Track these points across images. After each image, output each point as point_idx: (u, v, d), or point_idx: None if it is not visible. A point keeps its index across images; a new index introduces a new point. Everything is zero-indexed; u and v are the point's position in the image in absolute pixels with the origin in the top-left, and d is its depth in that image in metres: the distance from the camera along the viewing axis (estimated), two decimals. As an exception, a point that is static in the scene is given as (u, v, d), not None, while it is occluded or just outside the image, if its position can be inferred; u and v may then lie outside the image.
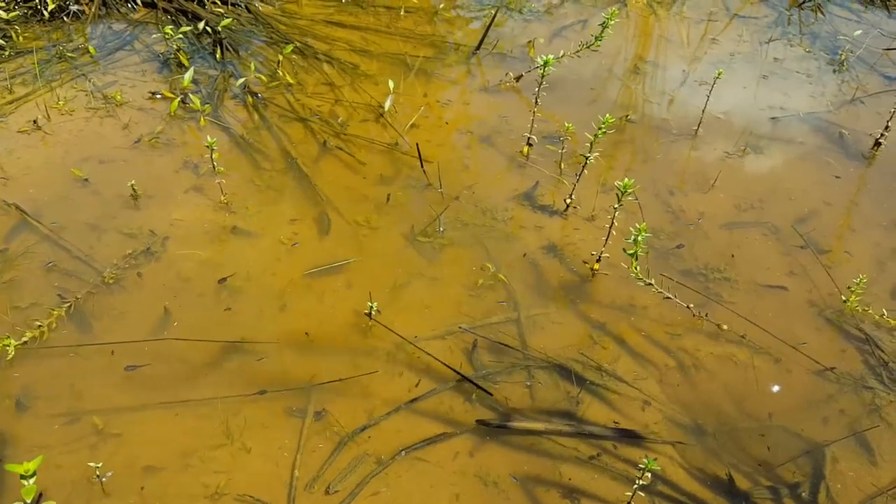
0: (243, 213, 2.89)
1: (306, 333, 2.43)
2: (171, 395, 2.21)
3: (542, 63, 3.05)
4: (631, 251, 2.44)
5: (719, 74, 3.35)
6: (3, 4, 3.59)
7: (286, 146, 3.26)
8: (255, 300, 2.54)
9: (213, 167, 2.82)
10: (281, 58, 3.66)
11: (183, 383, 2.26)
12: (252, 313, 2.50)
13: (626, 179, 2.48)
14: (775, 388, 2.37)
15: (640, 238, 2.39)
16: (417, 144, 3.17)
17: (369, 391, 2.29)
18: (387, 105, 3.44)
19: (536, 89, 3.19)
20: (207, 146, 2.75)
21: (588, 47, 3.68)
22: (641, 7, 4.80)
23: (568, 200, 3.00)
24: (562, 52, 3.71)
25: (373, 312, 2.43)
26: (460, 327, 2.50)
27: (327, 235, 2.83)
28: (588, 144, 2.80)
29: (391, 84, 3.47)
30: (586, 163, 2.85)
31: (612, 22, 3.52)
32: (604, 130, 2.71)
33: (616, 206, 2.58)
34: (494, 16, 4.15)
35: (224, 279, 2.54)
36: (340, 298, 2.59)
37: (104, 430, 2.10)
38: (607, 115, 2.73)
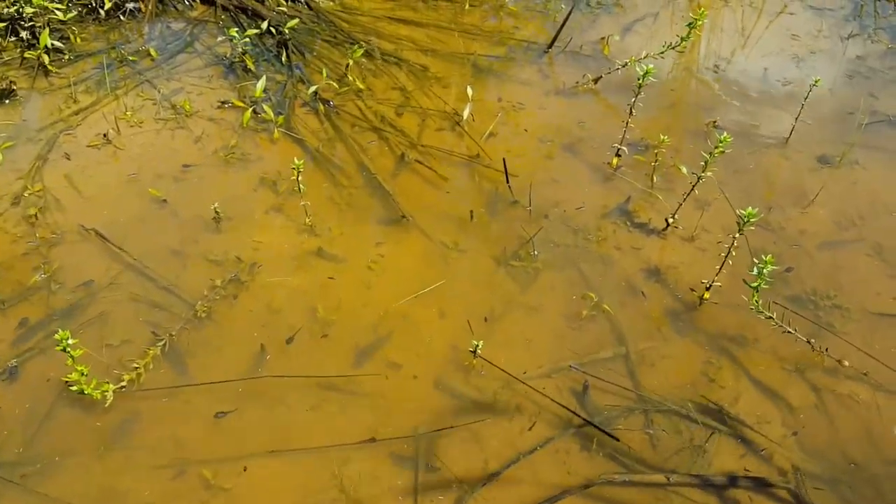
0: (327, 236, 2.77)
1: (414, 376, 2.32)
2: (276, 443, 2.11)
3: (641, 74, 2.88)
4: (754, 284, 2.30)
5: (816, 82, 3.17)
6: (59, 5, 3.42)
7: (362, 159, 3.12)
8: (349, 332, 2.43)
9: (299, 189, 2.69)
10: (350, 62, 3.50)
11: (286, 428, 2.15)
12: (347, 347, 2.39)
13: (749, 208, 2.34)
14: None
15: (765, 271, 2.25)
16: (504, 160, 3.02)
17: (480, 436, 2.19)
18: (465, 114, 3.28)
19: (632, 100, 3.02)
20: (294, 168, 2.62)
21: (673, 48, 3.49)
22: (713, -2, 4.58)
23: (670, 220, 2.85)
24: (644, 54, 3.54)
25: (477, 350, 2.31)
26: (570, 366, 2.37)
27: (415, 260, 2.71)
28: (673, 152, 2.65)
29: (469, 92, 3.31)
30: (697, 181, 2.70)
31: (700, 23, 3.33)
32: (721, 150, 2.55)
33: (736, 235, 2.43)
34: (569, 14, 3.96)
35: (291, 339, 2.40)
36: (436, 330, 2.48)
37: (214, 484, 2.01)
38: (708, 124, 2.57)
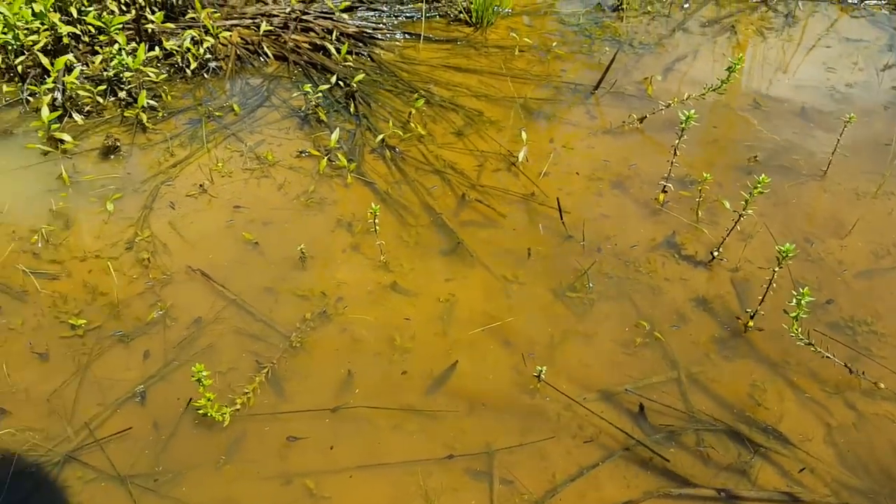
0: (400, 272, 3.08)
1: (483, 404, 2.60)
2: (366, 458, 2.40)
3: (683, 119, 3.14)
4: (793, 314, 2.53)
5: (851, 119, 3.38)
6: (153, 69, 3.83)
7: (427, 200, 3.43)
8: (425, 361, 2.72)
9: (375, 230, 3.01)
10: (413, 111, 3.83)
11: (373, 445, 2.45)
12: (423, 372, 2.68)
13: (788, 244, 2.57)
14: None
15: (803, 301, 2.48)
16: (558, 199, 3.30)
17: (546, 453, 2.45)
18: (521, 156, 3.58)
19: (676, 141, 3.28)
20: (371, 211, 2.94)
21: (714, 90, 3.75)
22: (751, 34, 4.82)
23: (715, 253, 3.09)
24: (686, 96, 3.80)
25: (541, 375, 2.58)
26: (626, 389, 2.63)
27: (479, 293, 2.99)
28: (716, 187, 2.89)
29: (524, 135, 3.61)
30: (739, 219, 2.94)
31: (739, 66, 3.57)
32: (759, 190, 2.80)
33: (776, 269, 2.67)
34: (614, 57, 4.24)
35: (372, 365, 2.70)
36: (502, 357, 2.76)
37: (316, 493, 2.31)
38: (749, 159, 2.81)
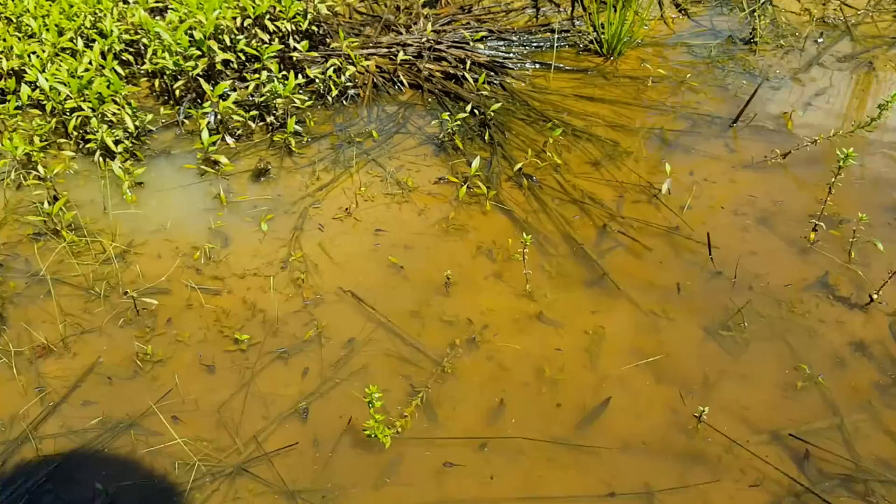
0: (544, 301, 3.08)
1: (638, 442, 2.55)
2: (525, 490, 2.39)
3: (841, 157, 3.04)
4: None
5: None
6: (301, 96, 3.99)
7: (567, 230, 3.42)
8: (575, 394, 2.70)
9: (524, 259, 3.03)
10: (551, 140, 3.85)
11: (533, 479, 2.43)
12: (573, 406, 2.66)
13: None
14: None
15: None
16: (709, 234, 3.24)
17: (709, 497, 2.38)
18: (664, 189, 3.53)
19: (832, 179, 3.18)
20: (522, 241, 2.96)
21: (862, 128, 3.62)
22: (890, 70, 4.64)
23: (874, 296, 2.96)
24: (832, 132, 3.68)
25: (702, 416, 2.52)
26: (790, 434, 2.53)
27: (627, 327, 2.96)
28: (867, 226, 2.76)
29: (668, 168, 3.57)
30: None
31: (892, 104, 3.44)
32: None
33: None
34: (756, 90, 4.16)
35: (521, 395, 2.70)
36: (655, 394, 2.71)
37: (476, 522, 2.31)
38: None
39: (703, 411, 2.52)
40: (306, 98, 4.02)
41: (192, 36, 4.01)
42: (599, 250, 3.31)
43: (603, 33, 4.69)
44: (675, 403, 2.66)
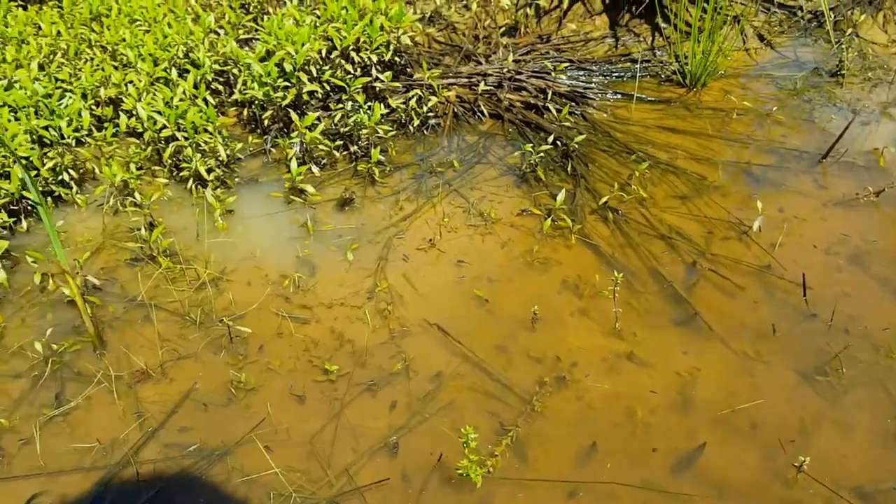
0: (633, 340, 3.03)
1: (735, 490, 2.48)
2: (618, 536, 2.35)
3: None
4: None
5: None
6: (385, 126, 4.05)
7: (654, 266, 3.37)
8: (668, 439, 2.64)
9: (614, 297, 2.99)
10: (637, 173, 3.81)
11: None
12: (668, 452, 2.60)
13: None
14: None
15: None
16: (804, 275, 3.15)
17: (812, 552, 2.29)
18: (755, 226, 3.45)
19: (938, 223, 3.05)
20: (613, 279, 2.92)
21: (969, 165, 3.47)
22: None
23: None
24: (935, 170, 3.54)
25: (803, 466, 2.43)
26: (894, 488, 2.43)
27: (719, 369, 2.88)
28: None
29: (759, 205, 3.49)
30: None
31: None
32: None
33: None
34: (847, 126, 4.04)
35: (612, 438, 2.64)
36: (749, 440, 2.63)
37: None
38: None
39: (804, 461, 2.43)
40: (389, 128, 4.07)
41: (281, 67, 4.11)
42: (689, 288, 3.25)
43: (686, 64, 4.64)
44: (771, 450, 2.58)
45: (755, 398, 2.76)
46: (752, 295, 3.20)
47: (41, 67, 4.21)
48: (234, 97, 4.24)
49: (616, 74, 4.82)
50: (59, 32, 4.41)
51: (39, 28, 4.57)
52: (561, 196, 3.60)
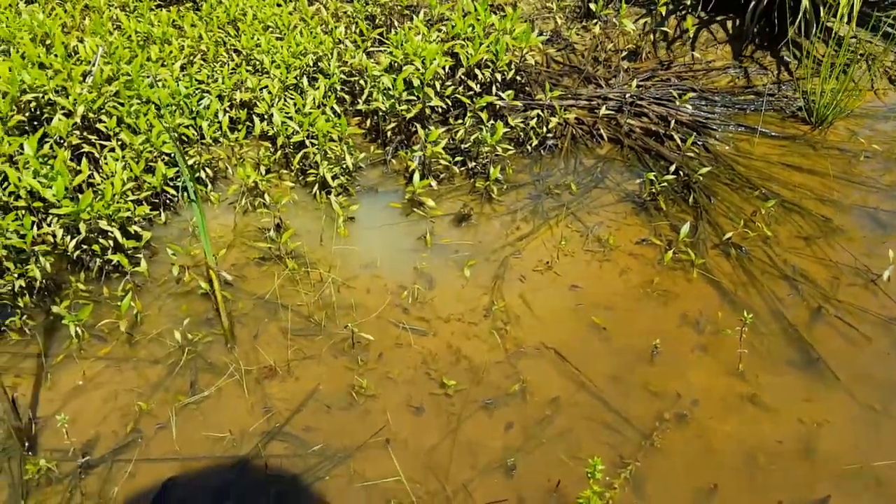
0: (755, 382, 2.96)
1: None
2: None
3: None
4: None
5: None
6: (505, 145, 4.09)
7: (778, 307, 3.29)
8: (791, 488, 2.57)
9: (740, 338, 2.94)
10: (763, 210, 3.73)
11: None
12: (790, 502, 2.53)
13: None
14: None
15: None
16: (943, 333, 3.01)
17: None
18: (886, 275, 3.33)
19: None
20: (742, 319, 2.88)
21: None
22: None
23: None
24: None
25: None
26: None
27: (846, 421, 2.79)
28: None
29: (891, 254, 3.36)
30: None
31: None
32: None
33: None
34: None
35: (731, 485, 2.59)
36: (875, 499, 2.53)
37: None
38: None
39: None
40: (508, 146, 4.12)
41: (407, 81, 4.21)
42: (814, 334, 3.16)
43: (812, 100, 4.51)
44: (906, 515, 2.48)
45: (881, 454, 2.66)
46: (879, 346, 3.09)
47: (181, 68, 4.44)
48: (358, 107, 4.36)
49: (738, 106, 4.73)
50: (200, 36, 4.64)
51: (180, 29, 4.82)
52: (685, 228, 3.56)
